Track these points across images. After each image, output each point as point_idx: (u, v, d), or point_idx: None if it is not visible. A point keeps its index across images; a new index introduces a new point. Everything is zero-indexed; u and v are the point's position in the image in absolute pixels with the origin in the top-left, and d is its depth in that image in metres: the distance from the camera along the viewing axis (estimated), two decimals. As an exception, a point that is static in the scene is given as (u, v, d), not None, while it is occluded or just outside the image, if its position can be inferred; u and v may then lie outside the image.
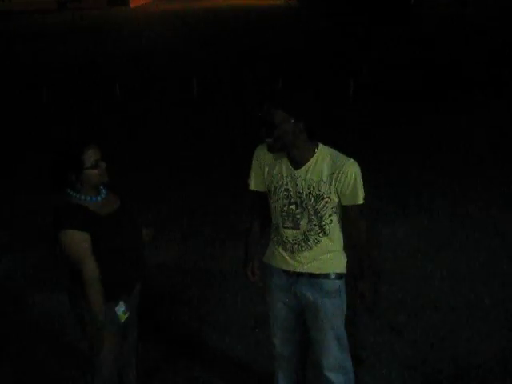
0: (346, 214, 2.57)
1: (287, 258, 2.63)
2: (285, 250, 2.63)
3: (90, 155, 2.48)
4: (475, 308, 3.99)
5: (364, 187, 2.50)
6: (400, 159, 6.80)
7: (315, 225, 2.54)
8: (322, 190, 2.48)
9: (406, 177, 6.25)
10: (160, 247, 4.77)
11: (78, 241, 2.46)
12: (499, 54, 12.94)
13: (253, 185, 2.68)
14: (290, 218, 2.56)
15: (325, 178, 2.47)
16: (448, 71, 11.63)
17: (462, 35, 15.96)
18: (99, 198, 2.59)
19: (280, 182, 2.55)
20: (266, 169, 2.60)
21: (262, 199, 2.68)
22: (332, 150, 2.53)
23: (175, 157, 7.40)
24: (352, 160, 2.49)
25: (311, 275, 2.60)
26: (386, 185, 6.02)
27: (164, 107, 10.08)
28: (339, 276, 2.63)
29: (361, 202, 2.50)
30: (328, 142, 2.57)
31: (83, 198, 2.55)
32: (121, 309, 2.62)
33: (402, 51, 13.91)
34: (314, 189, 2.49)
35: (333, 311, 2.62)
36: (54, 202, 2.60)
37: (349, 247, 2.68)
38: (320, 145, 2.53)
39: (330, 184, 2.47)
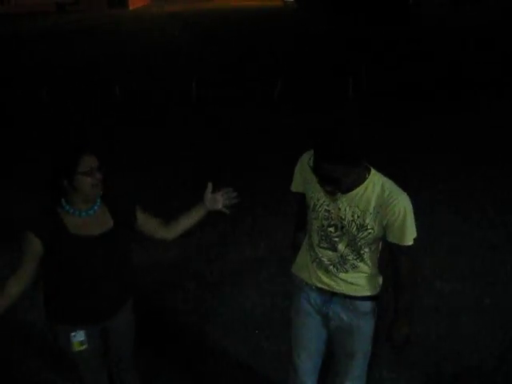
0: (390, 250, 2.34)
1: (321, 276, 2.48)
2: (319, 268, 2.48)
3: (86, 161, 2.35)
4: (476, 308, 3.98)
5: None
6: (399, 159, 6.79)
7: (353, 250, 2.37)
8: (367, 220, 2.28)
9: (405, 176, 6.24)
10: (159, 247, 4.75)
11: (28, 243, 2.38)
12: (499, 54, 12.94)
13: (294, 186, 2.53)
14: (328, 239, 2.40)
15: (371, 209, 2.27)
16: (447, 71, 11.64)
17: (462, 35, 15.96)
18: (84, 214, 2.43)
19: (321, 201, 2.36)
20: (308, 181, 2.40)
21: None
22: (385, 179, 2.32)
23: (175, 157, 7.39)
24: (405, 195, 2.28)
25: (346, 296, 2.46)
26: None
27: (163, 108, 10.08)
28: (375, 297, 2.50)
29: (409, 243, 2.28)
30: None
31: (71, 210, 2.41)
32: (78, 338, 2.50)
33: (400, 51, 13.91)
34: (358, 218, 2.29)
35: (367, 331, 2.54)
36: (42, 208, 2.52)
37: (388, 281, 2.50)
38: (372, 170, 2.32)
39: (376, 217, 2.27)
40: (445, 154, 7.08)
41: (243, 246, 4.99)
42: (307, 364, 2.72)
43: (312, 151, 2.26)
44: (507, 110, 8.82)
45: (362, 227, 2.30)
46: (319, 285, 2.50)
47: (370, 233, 2.30)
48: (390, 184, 2.30)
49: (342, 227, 2.33)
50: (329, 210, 2.35)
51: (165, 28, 20.78)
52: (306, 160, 2.40)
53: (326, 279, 2.47)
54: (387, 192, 2.26)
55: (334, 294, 2.49)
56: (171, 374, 3.44)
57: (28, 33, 21.01)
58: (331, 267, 2.43)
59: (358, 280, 2.44)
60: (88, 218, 2.44)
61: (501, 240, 4.94)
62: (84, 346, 2.52)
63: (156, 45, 17.42)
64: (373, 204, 2.27)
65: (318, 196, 2.37)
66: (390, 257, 2.38)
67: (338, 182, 2.18)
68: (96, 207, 2.47)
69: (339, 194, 2.30)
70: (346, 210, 2.30)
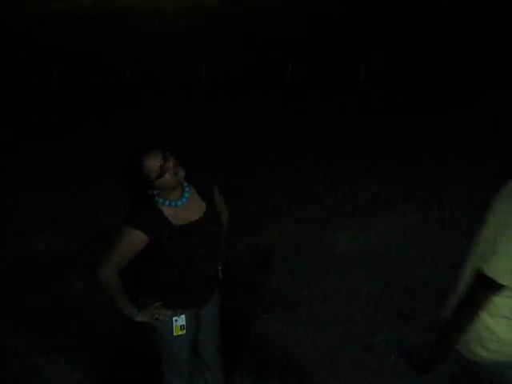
0: None
1: None
2: None
3: (151, 165, 2.30)
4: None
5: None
6: (410, 147, 6.74)
7: None
8: None
9: (416, 164, 6.22)
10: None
11: (128, 238, 2.35)
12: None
13: (504, 279, 1.99)
14: None
15: None
16: (462, 59, 11.47)
17: (479, 21, 15.72)
18: (179, 203, 2.42)
19: None
20: None
21: None
22: None
23: (187, 140, 7.38)
24: None
25: None
26: (396, 172, 6.01)
27: (174, 91, 10.05)
28: None
29: None
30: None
31: (166, 202, 2.40)
32: (179, 322, 2.52)
33: (414, 36, 13.74)
34: None
35: None
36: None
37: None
38: None
39: None
40: (455, 142, 7.01)
41: (255, 226, 5.03)
42: None
43: None
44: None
45: None
46: None
47: None
48: None
49: None
50: None
51: (176, 11, 20.66)
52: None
53: None
54: None
55: None
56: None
57: (37, 16, 20.93)
58: None
59: None
60: (184, 206, 2.43)
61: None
62: (184, 331, 2.53)
63: (167, 28, 17.34)
64: None
65: None
66: None
67: None
68: (187, 194, 2.46)
69: None
70: None
